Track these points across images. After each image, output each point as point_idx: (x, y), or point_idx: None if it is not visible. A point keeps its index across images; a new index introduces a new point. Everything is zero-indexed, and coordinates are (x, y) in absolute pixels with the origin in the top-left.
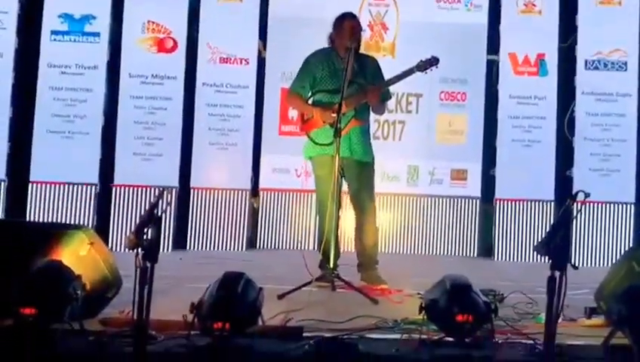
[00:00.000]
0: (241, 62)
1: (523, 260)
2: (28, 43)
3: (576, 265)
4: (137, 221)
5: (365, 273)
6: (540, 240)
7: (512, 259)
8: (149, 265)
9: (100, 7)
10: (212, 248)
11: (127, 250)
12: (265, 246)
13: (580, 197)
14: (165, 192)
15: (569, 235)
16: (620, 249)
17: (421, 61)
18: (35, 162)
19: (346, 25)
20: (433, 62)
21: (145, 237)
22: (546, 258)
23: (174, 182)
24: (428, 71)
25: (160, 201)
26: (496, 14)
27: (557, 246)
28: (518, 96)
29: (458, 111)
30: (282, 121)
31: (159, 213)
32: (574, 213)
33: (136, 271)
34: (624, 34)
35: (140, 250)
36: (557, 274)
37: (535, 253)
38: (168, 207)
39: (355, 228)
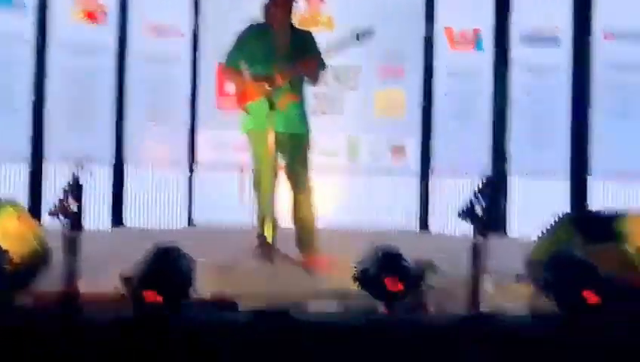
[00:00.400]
0: (175, 35)
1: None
2: None
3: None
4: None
5: (303, 245)
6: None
7: (450, 233)
8: (74, 234)
9: None
10: (150, 225)
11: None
12: (204, 222)
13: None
14: (84, 162)
15: (490, 204)
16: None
17: (357, 33)
18: None
19: None
20: (368, 33)
21: (69, 206)
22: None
23: (108, 157)
24: (364, 41)
25: (79, 171)
26: None
27: (479, 214)
28: (455, 71)
29: (396, 86)
30: (219, 94)
31: (81, 182)
32: (489, 184)
33: (62, 239)
34: (557, 9)
35: (64, 218)
36: (480, 240)
37: (460, 219)
38: (90, 177)
39: (292, 203)
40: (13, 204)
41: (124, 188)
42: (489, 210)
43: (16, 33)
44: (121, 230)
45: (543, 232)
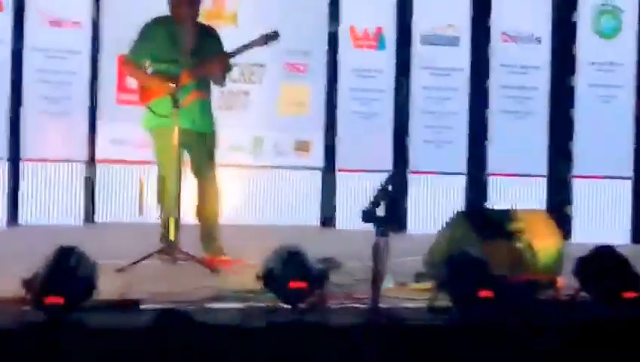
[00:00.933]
0: (72, 26)
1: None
2: None
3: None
4: None
5: (207, 244)
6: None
7: (353, 228)
8: None
9: None
10: (48, 222)
11: None
12: (103, 219)
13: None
14: None
15: (392, 204)
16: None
17: (262, 35)
18: None
19: None
20: (273, 36)
21: None
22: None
23: (2, 153)
24: (269, 44)
25: None
26: None
27: (380, 214)
28: (358, 68)
29: (301, 83)
30: (119, 88)
31: None
32: (390, 183)
33: None
34: (456, 9)
35: None
36: (382, 239)
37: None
38: None
39: (197, 200)
40: None
41: (20, 184)
42: (390, 209)
43: None
44: (17, 229)
45: (439, 230)
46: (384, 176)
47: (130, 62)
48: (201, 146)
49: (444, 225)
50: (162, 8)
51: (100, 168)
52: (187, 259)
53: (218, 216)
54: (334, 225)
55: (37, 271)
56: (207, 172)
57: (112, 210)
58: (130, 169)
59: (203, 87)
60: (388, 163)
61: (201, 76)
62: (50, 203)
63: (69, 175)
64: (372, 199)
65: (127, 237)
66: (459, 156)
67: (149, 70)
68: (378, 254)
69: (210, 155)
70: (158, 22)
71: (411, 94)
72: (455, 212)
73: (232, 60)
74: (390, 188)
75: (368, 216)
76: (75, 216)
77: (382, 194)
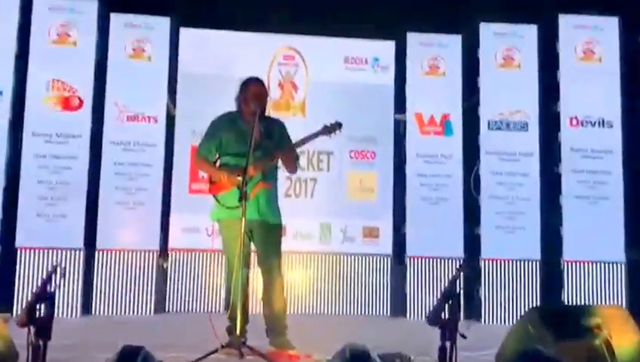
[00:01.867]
0: (149, 120)
1: None
2: None
3: (465, 335)
4: (30, 297)
5: (274, 338)
6: (430, 310)
7: (424, 318)
8: (41, 342)
9: (2, 65)
10: (119, 312)
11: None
12: (174, 309)
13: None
14: (58, 267)
15: (458, 306)
16: (528, 304)
17: (325, 126)
18: None
19: (251, 90)
20: (337, 126)
21: (38, 313)
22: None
23: (79, 243)
24: (332, 135)
25: (53, 276)
26: (402, 75)
27: (447, 318)
28: (425, 154)
29: (368, 169)
30: (192, 179)
31: (53, 289)
32: (458, 287)
33: (28, 348)
34: (524, 95)
35: (32, 327)
36: (447, 344)
37: (427, 322)
38: (62, 281)
39: (263, 292)
40: None
41: (94, 274)
42: (457, 314)
43: None
44: (90, 318)
45: (513, 326)
46: (454, 264)
47: (200, 156)
48: (267, 237)
49: (518, 320)
50: (233, 99)
51: (172, 257)
52: (254, 354)
53: (284, 309)
54: (405, 314)
55: None
56: (273, 264)
57: (182, 298)
58: (201, 257)
59: (269, 178)
60: (459, 250)
61: (267, 168)
62: (123, 292)
63: (142, 264)
64: (439, 299)
65: (197, 328)
66: (532, 242)
67: (219, 162)
68: (444, 358)
69: (275, 246)
70: (226, 117)
71: (481, 180)
72: (530, 308)
73: (298, 150)
74: (450, 291)
75: (434, 319)
76: (146, 305)
77: (449, 295)
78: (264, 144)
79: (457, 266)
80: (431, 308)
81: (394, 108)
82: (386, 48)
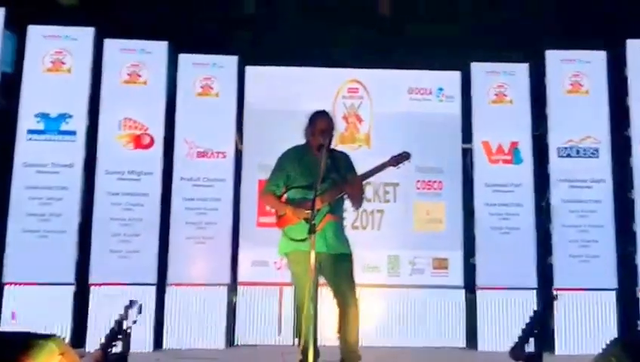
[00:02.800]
0: (217, 156)
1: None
2: (3, 143)
3: None
4: (106, 333)
5: None
6: (513, 343)
7: (497, 349)
8: None
9: (77, 105)
10: (191, 346)
11: None
12: (245, 342)
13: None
14: (134, 303)
15: (542, 339)
16: (604, 335)
17: (393, 157)
18: (9, 263)
19: (318, 123)
20: (405, 157)
21: (112, 351)
22: None
23: (152, 279)
24: (400, 166)
25: (128, 313)
26: (467, 104)
27: (532, 352)
28: (494, 183)
29: (435, 200)
30: (260, 212)
31: (127, 327)
32: (545, 317)
33: None
34: (593, 121)
35: None
36: None
37: (510, 356)
38: (138, 317)
39: (338, 324)
40: (55, 339)
41: (165, 308)
42: (541, 348)
43: (65, 160)
44: (162, 353)
45: (595, 357)
46: (526, 295)
47: (266, 192)
48: (338, 269)
49: (600, 353)
50: (299, 133)
51: (241, 291)
52: None
53: (358, 340)
54: (476, 347)
55: None
56: (348, 295)
57: (252, 332)
58: (270, 291)
59: (336, 211)
60: (532, 280)
61: (334, 201)
62: (193, 326)
63: (213, 298)
64: (521, 334)
65: (267, 360)
66: (607, 271)
67: (286, 196)
68: None
69: (348, 277)
70: (294, 151)
71: (552, 208)
72: (611, 340)
73: (364, 182)
74: (533, 324)
75: (517, 354)
76: (217, 339)
77: (531, 328)
78: (331, 176)
79: (537, 299)
80: (500, 340)
81: (461, 138)
82: (450, 78)
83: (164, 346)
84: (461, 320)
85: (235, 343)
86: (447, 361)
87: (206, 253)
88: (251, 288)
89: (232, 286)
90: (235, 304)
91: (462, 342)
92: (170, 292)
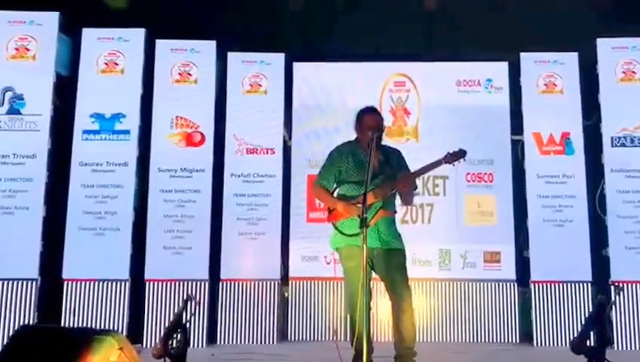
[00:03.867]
0: (267, 152)
1: (565, 345)
2: (60, 143)
3: None
4: (164, 329)
5: None
6: (575, 336)
7: (553, 345)
8: None
9: (130, 105)
10: (244, 341)
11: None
12: (297, 337)
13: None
14: (191, 299)
15: (605, 331)
16: None
17: (448, 153)
18: (67, 260)
19: (366, 120)
20: (460, 154)
21: (172, 345)
22: None
23: (204, 274)
24: (455, 163)
25: (186, 308)
26: (517, 95)
27: (593, 346)
28: (546, 175)
29: (486, 192)
30: (310, 207)
31: (186, 320)
32: (607, 309)
33: None
34: None
35: (167, 358)
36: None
37: (571, 350)
38: (196, 311)
39: (393, 319)
40: (114, 334)
41: (219, 304)
42: (604, 341)
43: (119, 158)
44: (216, 348)
45: None
46: (581, 288)
47: (317, 186)
48: (391, 264)
49: None
50: (346, 127)
51: (292, 285)
52: None
53: (415, 336)
54: (532, 341)
55: None
56: (402, 289)
57: (304, 327)
58: (321, 285)
59: (389, 206)
60: (587, 273)
61: (386, 196)
62: (246, 321)
63: (265, 293)
64: (583, 328)
65: (321, 357)
66: None
67: (336, 193)
68: None
69: (402, 272)
70: (344, 147)
71: (606, 198)
72: None
73: (416, 179)
74: (596, 315)
75: (579, 348)
76: (269, 334)
77: (593, 322)
78: (383, 171)
79: (598, 293)
80: (556, 334)
81: (510, 129)
82: (498, 69)
83: (218, 341)
84: (514, 314)
85: (288, 338)
86: (502, 357)
87: (257, 249)
88: (302, 283)
89: (283, 282)
90: (287, 299)
91: (515, 337)
92: (223, 288)
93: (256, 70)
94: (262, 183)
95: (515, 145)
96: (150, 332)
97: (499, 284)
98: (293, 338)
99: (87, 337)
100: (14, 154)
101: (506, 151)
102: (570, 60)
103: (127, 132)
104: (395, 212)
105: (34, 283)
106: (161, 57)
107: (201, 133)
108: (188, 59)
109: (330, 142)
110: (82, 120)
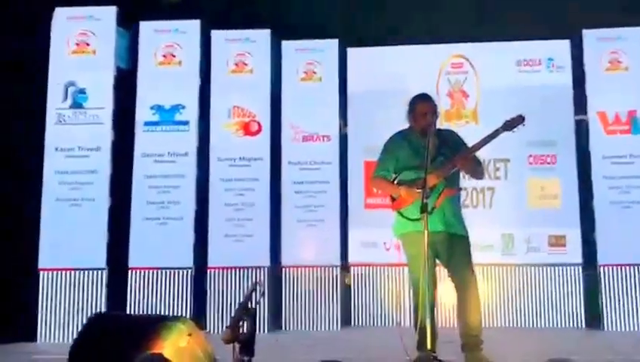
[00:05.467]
0: (323, 139)
1: (634, 329)
2: (122, 135)
3: None
4: (232, 314)
5: (470, 354)
6: None
7: (622, 329)
8: (246, 358)
9: (189, 96)
10: (307, 327)
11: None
12: (359, 323)
13: None
14: (258, 284)
15: None
16: None
17: (507, 121)
18: (133, 249)
19: (419, 107)
20: (519, 120)
21: (241, 330)
22: None
23: (265, 261)
24: (515, 130)
25: (253, 293)
26: (580, 73)
27: None
28: (612, 155)
29: (549, 175)
30: (367, 194)
31: (253, 306)
32: None
33: None
34: None
35: (237, 343)
36: None
37: None
38: (262, 298)
39: (457, 306)
40: (183, 321)
41: (281, 291)
42: None
43: (180, 149)
44: (280, 334)
45: None
46: None
47: (376, 178)
48: (456, 248)
49: None
50: (403, 113)
51: (353, 272)
52: None
53: (481, 323)
54: (600, 326)
55: None
56: (467, 275)
57: (366, 312)
58: (382, 271)
59: (453, 184)
60: None
61: (447, 175)
62: (309, 307)
63: (325, 280)
64: None
65: (385, 342)
66: None
67: (396, 181)
68: None
69: (467, 257)
70: (399, 135)
71: None
72: None
73: (476, 153)
74: None
75: None
76: (332, 319)
77: None
78: (441, 152)
79: None
80: (625, 319)
81: (574, 109)
82: (560, 47)
83: (282, 327)
84: (581, 298)
85: (352, 324)
86: (573, 342)
87: (316, 236)
88: (362, 269)
89: (344, 268)
90: (348, 285)
91: (582, 322)
92: (285, 275)
93: (311, 57)
94: (319, 170)
95: (578, 126)
96: (213, 319)
97: (564, 268)
98: (356, 324)
99: (157, 323)
100: (79, 147)
101: (569, 132)
102: (634, 36)
103: (186, 122)
104: (460, 189)
105: (102, 272)
106: (216, 48)
107: (258, 122)
108: (243, 49)
109: (386, 127)
110: (143, 112)
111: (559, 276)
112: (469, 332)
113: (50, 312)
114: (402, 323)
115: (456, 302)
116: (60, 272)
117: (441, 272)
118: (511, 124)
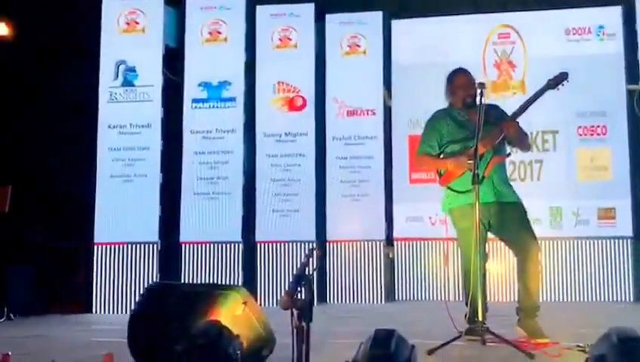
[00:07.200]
0: (367, 114)
1: None
2: (172, 112)
3: None
4: (290, 280)
5: (526, 321)
6: None
7: None
8: (304, 324)
9: (235, 73)
10: (352, 301)
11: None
12: (404, 297)
13: None
14: (315, 250)
15: None
16: None
17: (550, 79)
18: (184, 223)
19: (456, 80)
20: (563, 76)
21: (298, 296)
22: None
23: (311, 236)
24: (560, 86)
25: (310, 260)
26: (632, 42)
27: None
28: None
29: (599, 146)
30: (412, 168)
31: (310, 272)
32: None
33: (292, 331)
34: None
35: (294, 310)
36: None
37: None
38: (320, 264)
39: (518, 272)
40: (238, 289)
41: (326, 265)
42: None
43: (227, 125)
44: (326, 307)
45: None
46: None
47: (421, 155)
48: (513, 216)
49: None
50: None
51: (397, 246)
52: (497, 341)
53: (539, 290)
54: None
55: (358, 354)
56: (528, 240)
57: (410, 287)
58: (426, 246)
59: (501, 151)
60: None
61: (494, 143)
62: (353, 281)
63: (370, 254)
64: None
65: (430, 315)
66: None
67: (442, 156)
68: None
69: (525, 223)
70: (441, 112)
71: None
72: None
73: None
74: None
75: None
76: (376, 293)
77: None
78: (486, 123)
79: None
80: None
81: (625, 78)
82: (611, 14)
83: (327, 300)
84: (630, 272)
85: (396, 298)
86: (621, 316)
87: (361, 210)
88: (407, 244)
89: (389, 242)
90: (392, 259)
91: (630, 296)
92: (330, 249)
93: (355, 31)
94: (363, 145)
95: (630, 96)
96: (263, 292)
97: (613, 241)
98: (400, 298)
99: (213, 292)
100: (131, 124)
101: (620, 102)
102: None
103: (233, 99)
104: (509, 154)
105: (154, 246)
106: (261, 23)
107: (303, 97)
108: (287, 24)
109: (432, 101)
110: (191, 89)
111: (608, 249)
112: (529, 297)
113: (105, 285)
114: (447, 297)
115: (517, 266)
116: (114, 246)
117: (492, 246)
118: (555, 82)
